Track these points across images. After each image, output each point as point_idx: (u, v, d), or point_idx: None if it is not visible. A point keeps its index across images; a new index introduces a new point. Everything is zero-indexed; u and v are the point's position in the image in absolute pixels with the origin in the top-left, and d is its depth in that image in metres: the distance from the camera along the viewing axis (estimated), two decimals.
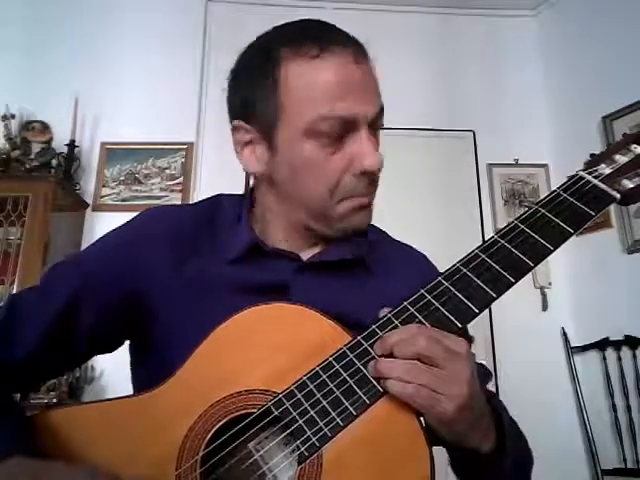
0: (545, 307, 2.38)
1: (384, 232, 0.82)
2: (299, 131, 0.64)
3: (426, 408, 0.52)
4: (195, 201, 0.82)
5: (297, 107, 0.64)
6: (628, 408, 2.15)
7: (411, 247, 0.83)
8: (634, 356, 2.19)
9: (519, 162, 2.65)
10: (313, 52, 0.63)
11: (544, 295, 2.41)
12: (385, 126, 0.71)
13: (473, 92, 2.74)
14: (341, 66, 0.64)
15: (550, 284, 2.41)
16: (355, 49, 0.66)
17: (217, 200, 0.78)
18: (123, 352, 0.75)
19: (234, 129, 0.70)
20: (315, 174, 0.65)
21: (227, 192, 0.81)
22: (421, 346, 0.53)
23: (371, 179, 0.68)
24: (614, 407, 2.17)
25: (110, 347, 0.72)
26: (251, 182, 0.78)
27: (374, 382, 0.55)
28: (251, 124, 0.68)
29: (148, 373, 0.68)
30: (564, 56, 2.69)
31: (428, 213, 2.47)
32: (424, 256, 0.83)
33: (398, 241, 0.83)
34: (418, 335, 0.54)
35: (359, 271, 0.72)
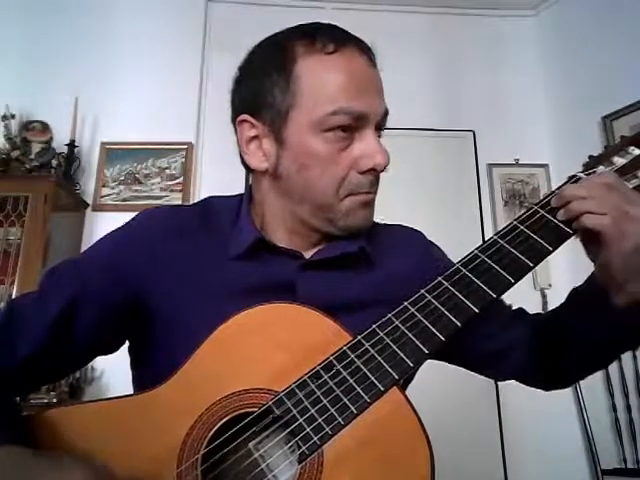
0: (545, 308, 2.38)
1: (376, 222, 0.81)
2: (310, 125, 0.65)
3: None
4: (194, 201, 0.82)
5: (310, 100, 0.65)
6: (628, 408, 2.15)
7: (403, 226, 0.84)
8: (634, 356, 2.18)
9: (519, 162, 2.65)
10: (329, 49, 0.65)
11: (544, 296, 2.40)
12: (385, 126, 0.72)
13: (473, 92, 2.74)
14: (355, 64, 0.66)
15: (550, 285, 2.41)
16: (367, 52, 0.68)
17: (208, 202, 0.78)
18: (123, 352, 0.75)
19: (239, 124, 0.70)
20: (322, 168, 0.66)
21: (227, 192, 0.81)
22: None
23: (375, 177, 0.69)
24: (614, 407, 2.17)
25: (111, 348, 0.72)
26: (249, 180, 0.78)
27: (375, 381, 0.55)
28: (259, 118, 0.69)
29: (149, 373, 0.68)
30: (564, 56, 2.69)
31: (428, 213, 2.46)
32: (420, 233, 0.84)
33: (389, 224, 0.84)
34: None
35: (361, 263, 0.73)
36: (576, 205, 0.59)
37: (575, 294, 0.71)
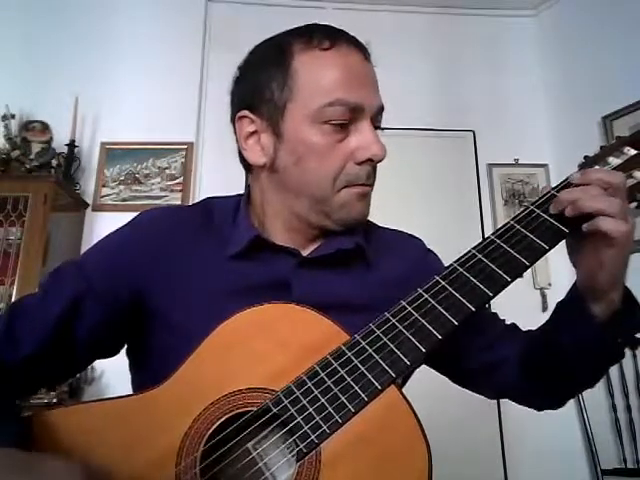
0: (545, 308, 2.38)
1: (373, 222, 0.82)
2: (306, 117, 0.66)
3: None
4: (194, 201, 0.82)
5: (306, 93, 0.66)
6: (628, 408, 2.15)
7: (403, 232, 0.84)
8: (634, 356, 2.18)
9: (519, 162, 2.65)
10: (324, 45, 0.67)
11: (544, 296, 2.40)
12: (385, 126, 0.73)
13: (473, 92, 2.74)
14: (350, 59, 0.67)
15: (550, 285, 2.41)
16: (363, 49, 0.70)
17: (209, 202, 0.79)
18: (123, 353, 0.75)
19: (239, 120, 0.71)
20: (319, 160, 0.67)
21: (227, 192, 0.82)
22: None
23: (372, 168, 0.70)
24: (614, 407, 2.17)
25: (111, 350, 0.73)
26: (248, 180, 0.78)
27: (372, 380, 0.55)
28: (257, 113, 0.70)
29: (149, 374, 0.68)
30: (564, 56, 2.69)
31: (428, 213, 2.47)
32: (419, 240, 0.84)
33: (390, 228, 0.84)
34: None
35: (358, 262, 0.73)
36: (589, 203, 0.58)
37: (559, 307, 0.71)
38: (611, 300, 0.62)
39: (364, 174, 0.68)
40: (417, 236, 0.85)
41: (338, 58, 0.67)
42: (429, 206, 2.51)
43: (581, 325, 0.64)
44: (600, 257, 0.60)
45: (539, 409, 0.79)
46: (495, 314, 0.82)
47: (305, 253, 0.72)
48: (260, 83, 0.69)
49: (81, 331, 0.66)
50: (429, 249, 0.84)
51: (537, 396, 0.77)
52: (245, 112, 0.70)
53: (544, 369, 0.71)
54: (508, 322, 0.82)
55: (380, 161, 0.69)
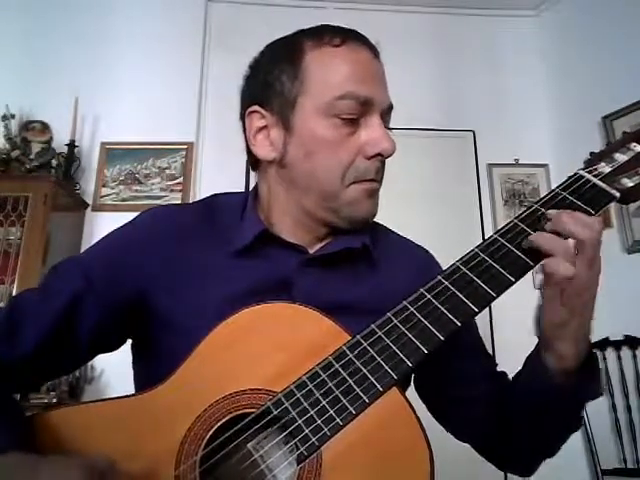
0: None
1: (385, 226, 0.82)
2: (317, 110, 0.66)
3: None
4: (194, 201, 0.82)
5: (317, 87, 0.67)
6: (628, 408, 2.15)
7: (412, 241, 0.84)
8: (634, 356, 2.19)
9: (519, 162, 2.65)
10: (335, 41, 0.68)
11: None
12: (389, 122, 0.72)
13: (473, 92, 2.74)
14: (361, 55, 0.68)
15: None
16: (372, 48, 0.71)
17: (214, 199, 0.78)
18: (122, 352, 0.75)
19: (248, 115, 0.71)
20: (329, 154, 0.67)
21: (227, 192, 0.81)
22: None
23: (381, 163, 0.70)
24: (614, 407, 2.17)
25: (113, 346, 0.72)
26: (255, 178, 0.78)
27: (374, 382, 0.55)
28: (267, 108, 0.70)
29: (151, 371, 0.68)
30: (564, 56, 2.70)
31: (428, 213, 2.46)
32: (427, 251, 0.84)
33: (400, 235, 0.84)
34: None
35: (363, 263, 0.73)
36: (541, 239, 0.57)
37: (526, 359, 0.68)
38: (560, 354, 0.60)
39: (373, 169, 0.68)
40: (426, 248, 0.83)
41: (349, 54, 0.67)
42: (429, 206, 2.51)
43: (534, 372, 0.64)
44: (545, 298, 0.59)
45: (501, 468, 0.77)
46: (490, 356, 0.80)
47: (312, 251, 0.72)
48: (271, 77, 0.69)
49: (82, 328, 0.66)
50: (436, 261, 0.82)
51: (501, 449, 0.74)
52: (255, 107, 0.70)
53: (512, 425, 0.69)
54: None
55: (389, 156, 0.69)
